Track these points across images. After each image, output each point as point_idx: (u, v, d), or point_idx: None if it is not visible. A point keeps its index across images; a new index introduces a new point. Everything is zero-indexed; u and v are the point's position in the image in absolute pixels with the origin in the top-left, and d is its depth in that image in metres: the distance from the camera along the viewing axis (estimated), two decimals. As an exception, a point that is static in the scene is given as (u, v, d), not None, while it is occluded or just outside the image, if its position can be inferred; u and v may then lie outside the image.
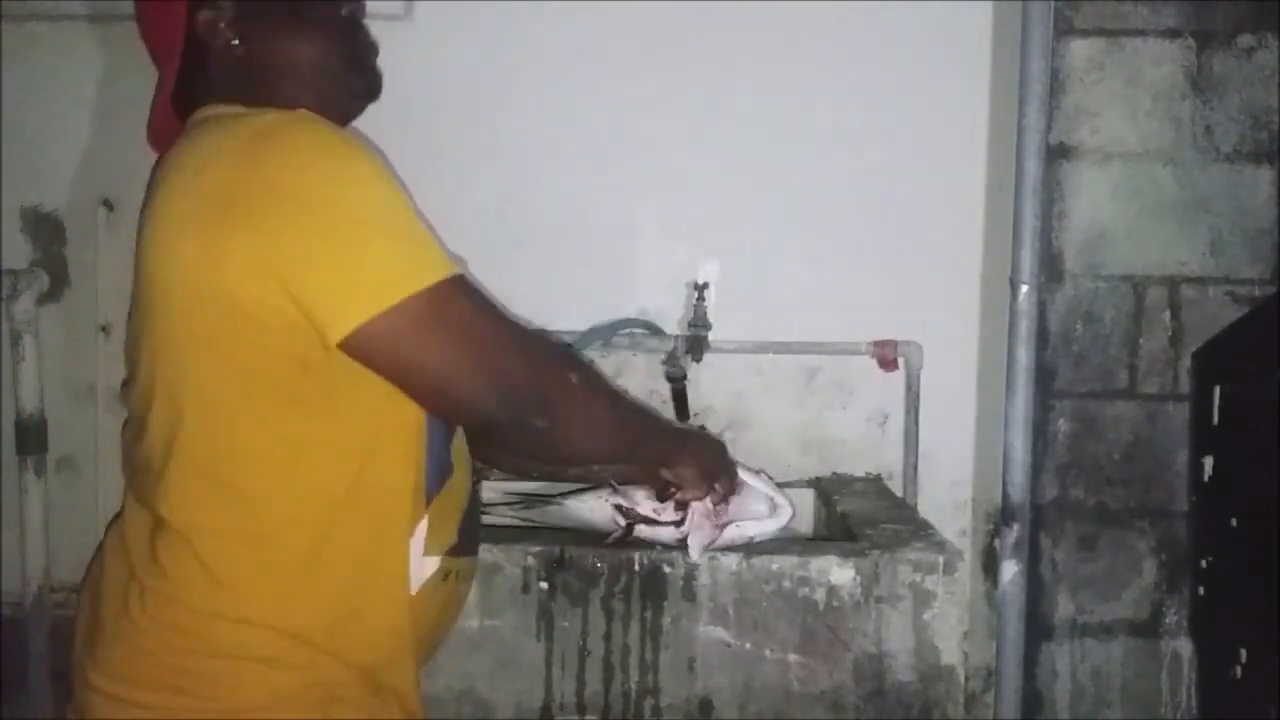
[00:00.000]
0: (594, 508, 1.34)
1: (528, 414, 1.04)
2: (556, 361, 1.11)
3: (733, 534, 1.32)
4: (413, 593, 1.07)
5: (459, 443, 1.12)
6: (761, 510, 1.32)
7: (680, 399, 1.86)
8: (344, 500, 1.02)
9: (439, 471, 1.09)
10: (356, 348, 0.96)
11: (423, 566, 1.08)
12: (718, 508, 1.29)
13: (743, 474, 1.32)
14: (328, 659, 1.02)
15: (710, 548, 1.33)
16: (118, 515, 1.10)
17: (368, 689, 1.05)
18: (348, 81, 1.12)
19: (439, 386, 1.00)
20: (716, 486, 1.28)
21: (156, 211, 0.99)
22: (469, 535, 1.16)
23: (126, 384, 1.08)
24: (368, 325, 0.94)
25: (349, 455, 1.01)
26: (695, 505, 1.28)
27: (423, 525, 1.07)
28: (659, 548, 1.35)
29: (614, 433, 1.18)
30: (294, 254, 0.94)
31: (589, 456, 1.24)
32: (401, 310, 0.95)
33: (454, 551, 1.12)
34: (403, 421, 1.04)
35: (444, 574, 1.11)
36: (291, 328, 0.95)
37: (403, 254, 0.97)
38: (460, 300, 0.99)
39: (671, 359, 1.84)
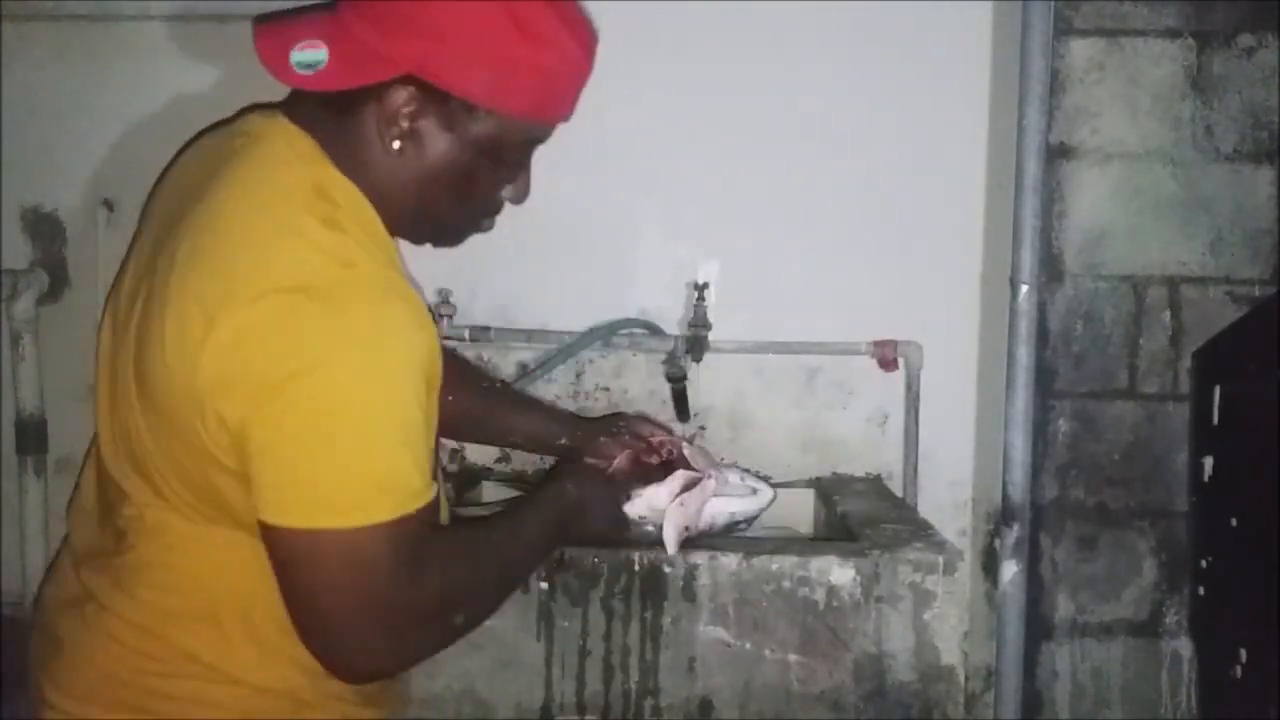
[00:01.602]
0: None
1: (396, 669, 1.03)
2: (448, 609, 1.01)
3: (715, 508, 1.32)
4: None
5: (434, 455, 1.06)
6: (742, 491, 1.33)
7: (680, 399, 1.86)
8: None
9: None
10: (270, 537, 0.90)
11: None
12: (683, 497, 1.28)
13: (717, 473, 1.33)
14: (296, 675, 0.99)
15: (690, 532, 1.31)
16: (73, 516, 1.09)
17: (342, 700, 1.02)
18: (432, 239, 1.07)
19: (315, 621, 0.92)
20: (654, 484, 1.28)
21: (176, 276, 0.91)
22: None
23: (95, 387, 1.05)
24: (288, 530, 0.89)
25: None
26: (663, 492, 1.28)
27: None
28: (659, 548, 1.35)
29: (517, 582, 1.20)
30: (254, 435, 0.88)
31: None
32: (326, 541, 0.89)
33: None
34: None
35: None
36: (237, 475, 0.91)
37: (359, 486, 0.89)
38: (389, 549, 0.90)
39: (671, 359, 1.84)
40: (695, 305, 1.83)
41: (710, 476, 1.31)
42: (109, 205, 1.88)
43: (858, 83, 1.85)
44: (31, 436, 1.85)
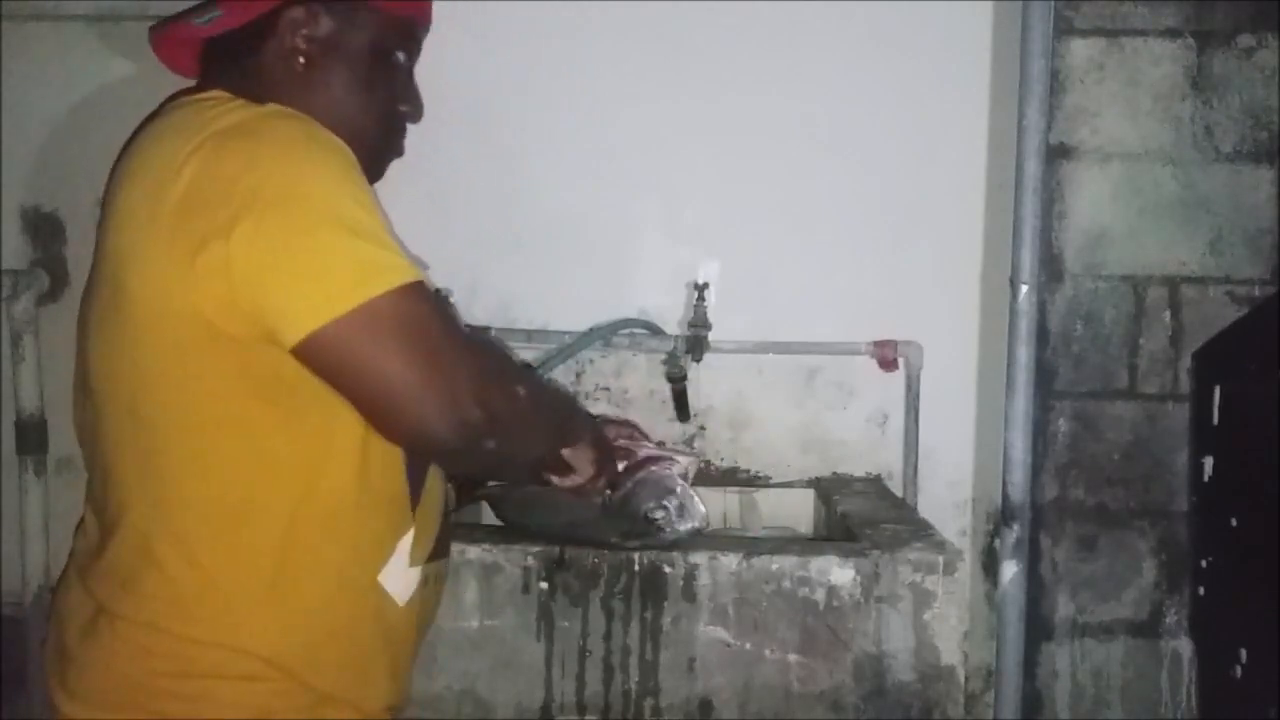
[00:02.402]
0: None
1: (477, 436, 0.99)
2: (507, 378, 1.07)
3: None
4: (401, 604, 1.06)
5: None
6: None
7: (681, 399, 1.86)
8: (320, 514, 1.00)
9: (421, 477, 1.08)
10: (310, 354, 0.93)
11: (408, 577, 1.07)
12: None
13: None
14: (307, 675, 1.01)
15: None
16: (78, 535, 1.09)
17: (354, 680, 1.04)
18: (365, 158, 1.08)
19: (387, 400, 0.95)
20: (601, 477, 1.27)
21: (125, 209, 0.98)
22: (444, 537, 1.16)
23: (77, 388, 1.06)
24: (321, 331, 0.91)
25: (322, 469, 0.99)
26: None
27: (409, 536, 1.07)
28: (658, 549, 1.35)
29: (550, 438, 1.17)
30: (252, 260, 0.91)
31: (524, 465, 1.20)
32: (357, 315, 0.92)
33: (432, 556, 1.12)
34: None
35: (424, 580, 1.10)
36: (259, 340, 0.93)
37: (362, 256, 0.94)
38: (417, 307, 0.95)
39: (672, 359, 1.84)
40: (695, 305, 1.83)
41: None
42: (109, 205, 1.88)
43: (858, 83, 1.85)
44: (31, 436, 1.85)
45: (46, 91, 1.88)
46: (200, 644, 0.98)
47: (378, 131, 1.12)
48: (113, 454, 1.01)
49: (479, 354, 1.03)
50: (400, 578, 1.06)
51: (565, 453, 1.21)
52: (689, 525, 1.33)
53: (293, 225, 0.92)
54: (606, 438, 1.30)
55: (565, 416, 1.22)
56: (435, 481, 1.12)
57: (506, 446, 1.04)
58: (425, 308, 0.96)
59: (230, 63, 1.07)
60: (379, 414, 0.97)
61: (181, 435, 0.97)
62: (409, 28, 1.14)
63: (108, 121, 1.88)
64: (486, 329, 1.86)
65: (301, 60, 1.06)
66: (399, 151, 1.18)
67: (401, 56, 1.14)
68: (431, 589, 1.13)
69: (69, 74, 1.89)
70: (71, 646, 1.02)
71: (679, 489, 1.33)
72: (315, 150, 0.97)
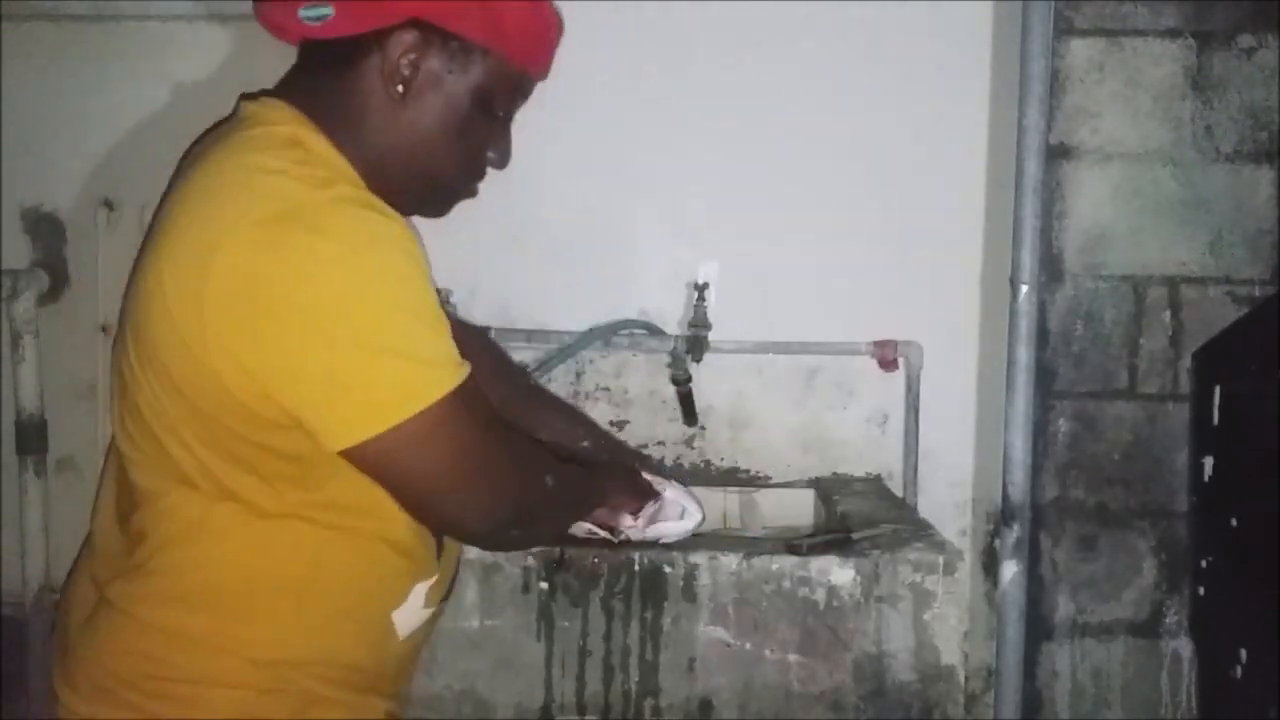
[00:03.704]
0: None
1: (506, 528, 1.06)
2: (538, 474, 1.09)
3: (640, 534, 1.33)
4: (402, 638, 1.07)
5: None
6: (673, 516, 1.34)
7: (686, 401, 1.86)
8: (354, 553, 1.01)
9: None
10: (353, 458, 0.94)
11: (418, 617, 1.08)
12: (640, 520, 1.32)
13: (660, 486, 1.35)
14: (302, 679, 1.01)
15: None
16: (90, 531, 1.09)
17: (349, 690, 1.04)
18: (421, 206, 1.08)
19: (428, 501, 0.98)
20: (644, 506, 1.32)
21: (167, 243, 0.94)
22: (454, 575, 1.17)
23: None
24: (365, 444, 0.92)
25: (373, 515, 1.00)
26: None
27: (429, 582, 1.08)
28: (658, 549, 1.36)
29: (571, 516, 1.25)
30: (288, 370, 0.90)
31: (545, 540, 1.32)
32: (401, 430, 0.92)
33: (444, 596, 1.13)
34: None
35: (432, 615, 1.12)
36: (281, 424, 0.93)
37: (408, 373, 0.92)
38: (459, 415, 0.95)
39: (676, 362, 1.84)
40: (695, 305, 1.83)
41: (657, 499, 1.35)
42: (109, 205, 1.88)
43: (858, 82, 1.85)
44: (31, 436, 1.84)
45: (46, 91, 1.88)
46: (196, 645, 0.98)
47: (457, 176, 1.09)
48: (138, 461, 1.00)
49: (512, 451, 1.05)
50: (411, 616, 1.07)
51: (603, 514, 1.30)
52: (696, 519, 1.35)
53: (336, 345, 0.90)
54: (626, 478, 1.34)
55: (585, 492, 1.26)
56: None
57: (531, 532, 1.14)
58: (464, 414, 0.96)
59: (323, 68, 1.01)
60: (419, 512, 1.01)
61: (203, 473, 0.97)
62: (521, 83, 1.08)
63: (108, 121, 1.90)
64: (486, 329, 1.86)
65: (400, 88, 1.00)
66: (473, 194, 1.14)
67: (503, 111, 1.08)
68: (432, 619, 1.14)
69: (69, 74, 1.89)
70: (73, 636, 1.03)
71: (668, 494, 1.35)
72: (373, 253, 0.91)
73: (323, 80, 1.01)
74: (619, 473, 1.35)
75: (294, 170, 0.93)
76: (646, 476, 1.35)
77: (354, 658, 1.04)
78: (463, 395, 0.95)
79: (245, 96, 1.05)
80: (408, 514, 1.00)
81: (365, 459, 0.93)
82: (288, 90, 1.03)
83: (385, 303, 0.92)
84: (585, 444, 1.43)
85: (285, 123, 0.99)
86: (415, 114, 1.01)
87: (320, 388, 0.90)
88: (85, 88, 1.89)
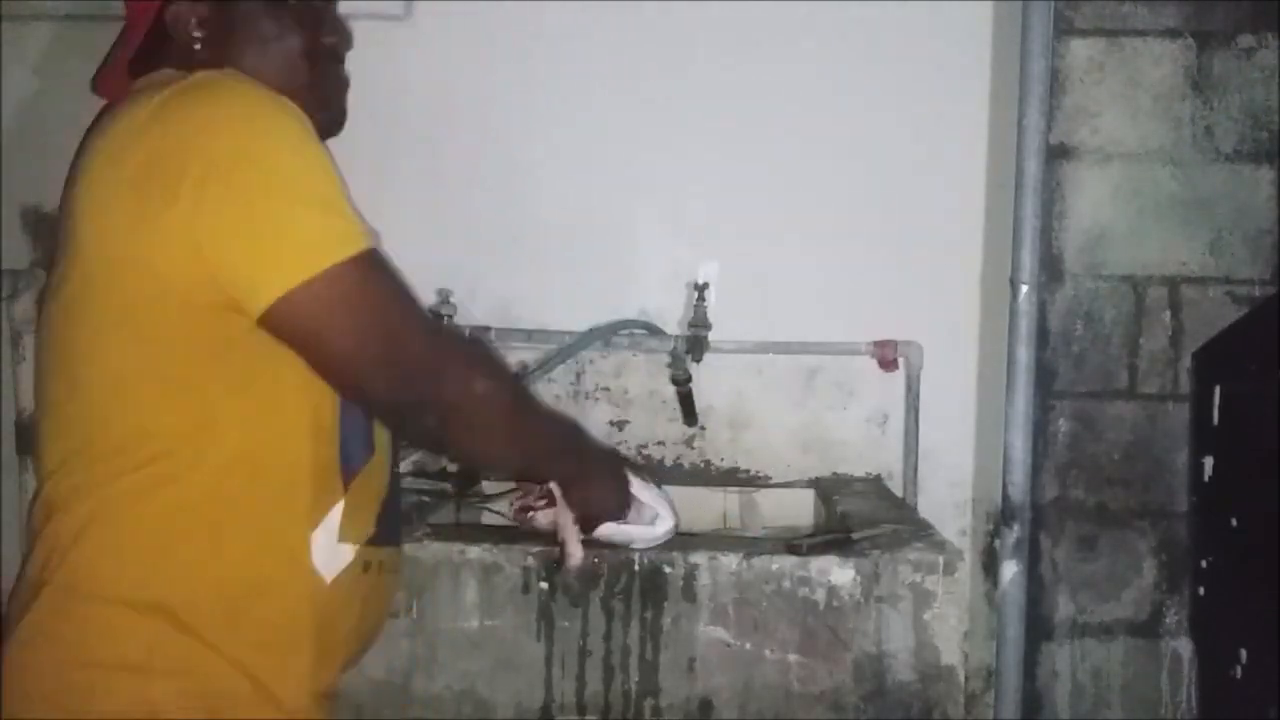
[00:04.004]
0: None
1: (419, 408, 1.03)
2: (463, 359, 1.08)
3: (608, 532, 1.30)
4: (328, 581, 1.04)
5: (381, 427, 1.10)
6: (645, 520, 1.31)
7: (687, 402, 1.86)
8: (250, 472, 1.00)
9: (359, 453, 1.07)
10: (274, 321, 0.95)
11: (338, 554, 1.05)
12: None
13: (636, 488, 1.30)
14: (210, 656, 0.98)
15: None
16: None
17: (255, 698, 1.00)
18: (307, 110, 1.08)
19: (340, 361, 0.99)
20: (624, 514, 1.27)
21: (86, 178, 0.98)
22: (390, 524, 1.14)
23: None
24: (286, 297, 0.94)
25: (260, 428, 1.00)
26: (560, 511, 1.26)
27: (338, 509, 1.05)
28: (658, 549, 1.35)
29: (513, 444, 1.14)
30: (214, 225, 0.93)
31: (485, 462, 1.24)
32: (319, 282, 0.94)
33: (373, 541, 1.09)
34: (318, 397, 1.02)
35: (363, 565, 1.08)
36: (216, 304, 0.95)
37: (323, 224, 0.96)
38: (376, 274, 0.99)
39: (676, 362, 1.84)
40: (695, 305, 1.83)
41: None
42: (109, 205, 1.88)
43: (858, 83, 1.85)
44: (31, 436, 1.84)
45: (46, 91, 1.88)
46: (107, 603, 0.97)
47: (308, 77, 1.10)
48: (47, 423, 1.02)
49: (436, 330, 1.07)
50: (328, 551, 1.04)
51: (565, 499, 1.22)
52: (668, 525, 1.32)
53: (255, 192, 0.94)
54: (615, 478, 1.27)
55: (551, 440, 1.20)
56: (381, 463, 1.11)
57: (451, 429, 1.06)
58: (380, 276, 0.99)
59: (158, 63, 1.08)
60: (329, 374, 1.00)
61: (117, 394, 0.98)
62: None
63: (108, 121, 1.90)
64: (486, 329, 1.86)
65: (200, 48, 1.06)
66: (343, 90, 1.16)
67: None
68: (375, 580, 1.10)
69: (69, 74, 1.88)
70: (6, 636, 1.01)
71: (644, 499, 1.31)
72: (269, 111, 0.98)
73: (162, 57, 1.08)
74: (614, 467, 1.29)
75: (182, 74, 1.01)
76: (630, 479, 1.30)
77: (278, 600, 1.01)
78: (381, 260, 0.99)
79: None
80: (324, 380, 1.00)
81: (285, 317, 0.95)
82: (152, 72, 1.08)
83: (293, 155, 0.97)
84: None
85: (171, 74, 1.04)
86: (232, 56, 1.06)
87: (242, 242, 0.94)
88: (85, 88, 1.88)
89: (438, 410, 1.04)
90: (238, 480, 0.99)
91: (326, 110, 1.12)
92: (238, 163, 0.94)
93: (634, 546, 1.33)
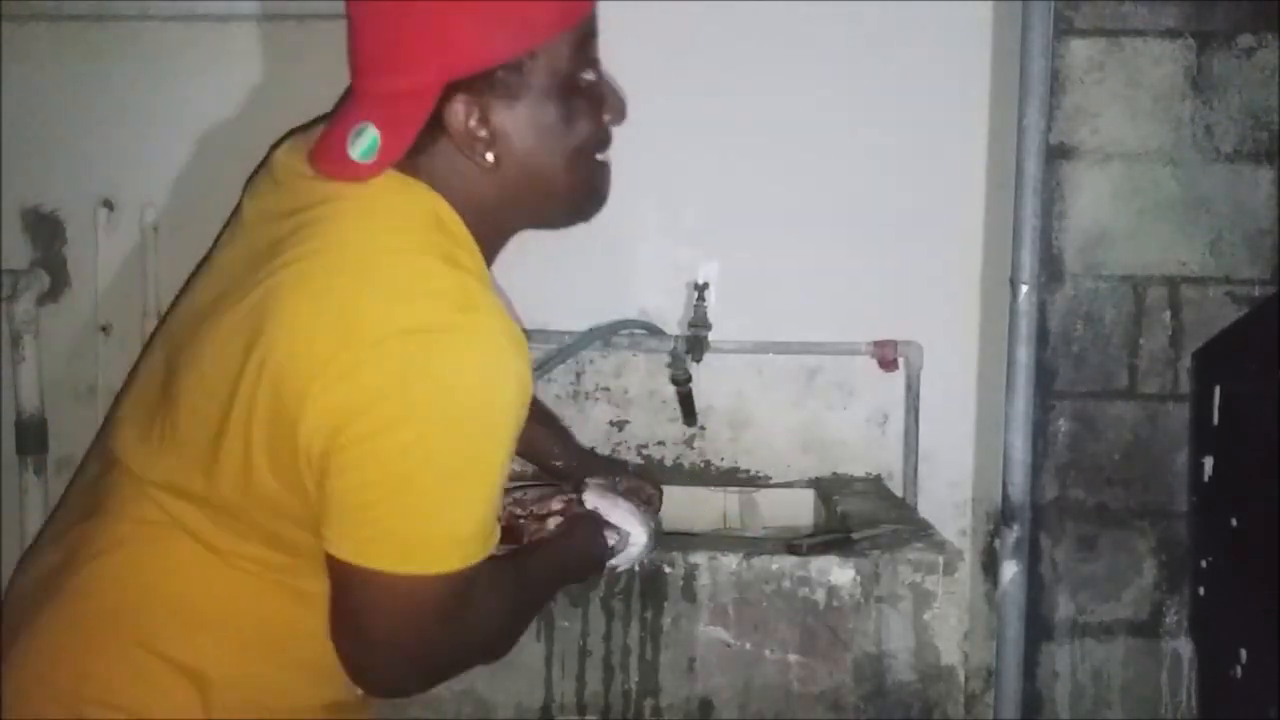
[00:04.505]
0: None
1: (403, 693, 1.07)
2: (479, 658, 1.06)
3: None
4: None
5: None
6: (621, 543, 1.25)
7: (687, 402, 1.86)
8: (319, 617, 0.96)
9: None
10: (333, 567, 0.91)
11: None
12: None
13: (605, 509, 1.25)
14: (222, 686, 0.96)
15: None
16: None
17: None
18: (572, 213, 1.05)
19: (355, 637, 0.93)
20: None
21: (288, 300, 0.88)
22: None
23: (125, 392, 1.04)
24: (351, 567, 0.90)
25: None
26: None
27: None
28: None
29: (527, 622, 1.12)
30: (348, 471, 0.87)
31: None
32: (384, 576, 0.89)
33: None
34: None
35: None
36: (300, 520, 0.92)
37: (436, 530, 0.90)
38: (440, 601, 0.92)
39: (676, 362, 1.84)
40: (695, 305, 1.83)
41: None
42: (109, 205, 1.88)
43: (857, 82, 1.85)
44: (31, 436, 1.85)
45: (46, 91, 1.88)
46: (151, 654, 0.95)
47: (588, 167, 1.04)
48: (169, 425, 0.96)
49: (468, 641, 1.00)
50: None
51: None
52: (640, 544, 1.24)
53: (409, 460, 0.87)
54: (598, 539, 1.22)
55: (550, 594, 1.19)
56: None
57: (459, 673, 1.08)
58: (445, 602, 0.92)
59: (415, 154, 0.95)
60: (341, 635, 0.94)
61: (254, 481, 0.93)
62: (579, 38, 0.99)
63: (108, 121, 1.90)
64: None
65: (489, 156, 0.95)
66: (609, 177, 1.09)
67: (589, 73, 1.00)
68: None
69: (69, 74, 1.88)
70: (19, 627, 0.99)
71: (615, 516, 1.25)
72: (488, 404, 0.89)
73: (410, 154, 0.95)
74: (598, 566, 1.23)
75: (444, 280, 0.90)
76: (596, 500, 1.23)
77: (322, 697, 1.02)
78: (461, 580, 0.91)
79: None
80: (330, 627, 0.94)
81: (340, 572, 0.91)
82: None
83: (464, 465, 0.89)
84: (559, 464, 1.37)
85: (420, 190, 0.95)
86: (517, 157, 0.96)
87: (354, 500, 0.88)
88: (85, 88, 1.88)
89: (433, 684, 1.03)
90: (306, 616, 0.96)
91: (592, 211, 1.08)
92: (413, 423, 0.86)
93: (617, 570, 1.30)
